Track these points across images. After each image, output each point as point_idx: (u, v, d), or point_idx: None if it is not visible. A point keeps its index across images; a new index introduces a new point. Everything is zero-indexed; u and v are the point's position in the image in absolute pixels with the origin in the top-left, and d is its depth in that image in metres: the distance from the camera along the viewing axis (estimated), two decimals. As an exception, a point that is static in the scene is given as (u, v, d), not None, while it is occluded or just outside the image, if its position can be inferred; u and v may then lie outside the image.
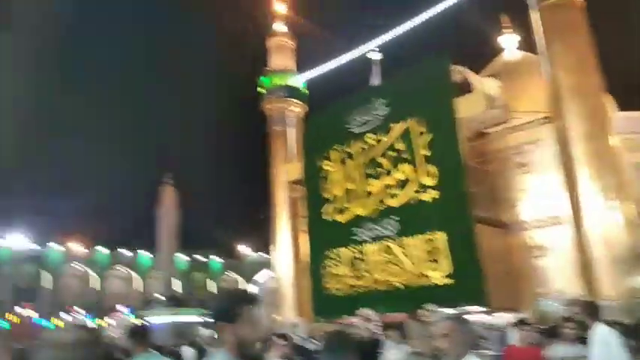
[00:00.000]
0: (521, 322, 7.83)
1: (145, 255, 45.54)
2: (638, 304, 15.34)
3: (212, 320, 2.36)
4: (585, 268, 17.18)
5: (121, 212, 53.46)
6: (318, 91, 32.59)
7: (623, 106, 21.50)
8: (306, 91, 32.21)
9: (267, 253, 34.06)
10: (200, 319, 25.37)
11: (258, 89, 32.50)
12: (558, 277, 18.83)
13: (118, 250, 46.69)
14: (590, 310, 6.15)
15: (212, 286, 40.89)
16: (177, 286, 36.75)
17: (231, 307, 2.35)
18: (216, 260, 44.88)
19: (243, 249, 46.33)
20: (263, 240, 39.90)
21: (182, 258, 42.20)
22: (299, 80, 31.96)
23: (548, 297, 18.62)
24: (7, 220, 42.85)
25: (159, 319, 30.58)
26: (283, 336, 7.63)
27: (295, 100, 31.40)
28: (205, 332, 12.20)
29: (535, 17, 20.22)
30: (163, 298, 32.44)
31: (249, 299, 2.40)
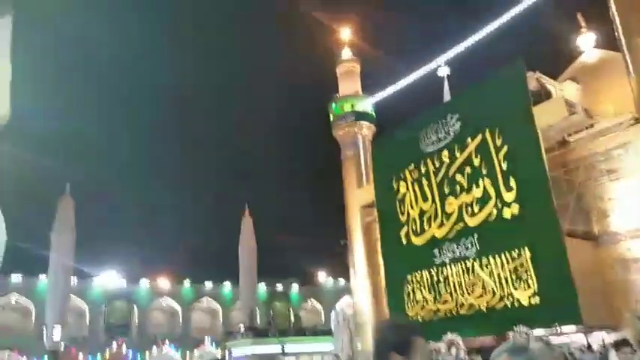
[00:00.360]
0: (621, 343, 7.03)
1: (227, 287, 46.83)
2: None
3: (382, 351, 2.38)
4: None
5: (204, 245, 55.49)
6: (387, 113, 32.49)
7: None
8: (373, 114, 32.18)
9: (347, 279, 33.74)
10: (279, 349, 25.56)
11: (331, 116, 32.98)
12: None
13: (204, 283, 48.35)
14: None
15: (292, 316, 41.10)
16: (258, 316, 37.18)
17: (404, 339, 2.38)
18: (296, 289, 45.13)
19: (323, 276, 46.29)
20: (342, 266, 39.76)
21: (263, 288, 42.84)
22: (367, 103, 32.06)
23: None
24: (101, 259, 45.89)
25: (240, 350, 31.02)
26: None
27: (365, 123, 31.51)
28: None
29: (615, 12, 18.91)
30: (243, 330, 32.95)
31: (418, 330, 2.46)
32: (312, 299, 45.16)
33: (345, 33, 35.28)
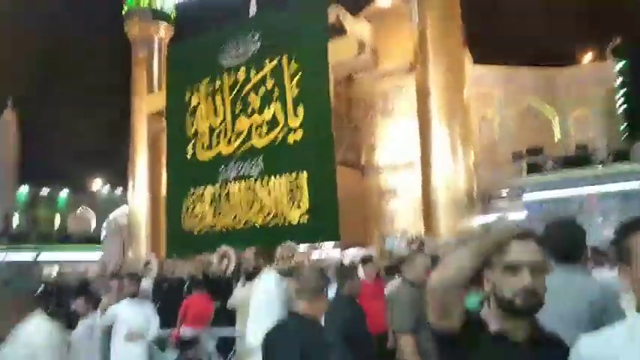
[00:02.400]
0: (367, 259, 8.29)
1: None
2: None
3: None
4: (427, 209, 18.68)
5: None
6: (189, 17, 30.37)
7: (478, 58, 23.05)
8: (173, 14, 29.76)
9: (125, 188, 32.06)
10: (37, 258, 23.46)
11: (125, 8, 29.38)
12: (405, 219, 20.31)
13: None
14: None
15: (58, 222, 37.89)
16: (16, 221, 33.28)
17: None
18: (65, 194, 41.34)
19: (98, 183, 43.24)
20: (121, 174, 37.54)
21: (25, 191, 38.26)
22: (167, 2, 29.42)
23: (394, 236, 20.13)
24: None
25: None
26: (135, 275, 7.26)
27: (163, 23, 28.95)
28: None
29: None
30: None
31: None
32: (84, 207, 42.04)
33: None
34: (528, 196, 16.54)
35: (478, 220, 18.29)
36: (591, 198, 15.65)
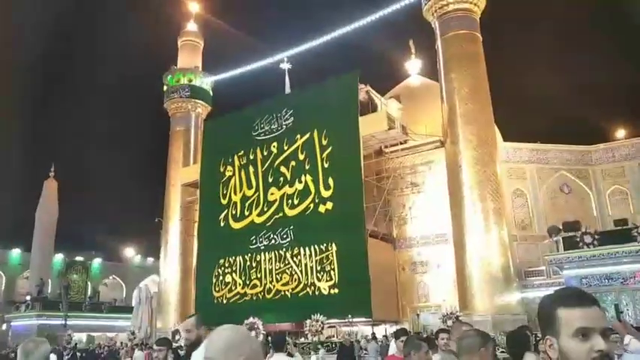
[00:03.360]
0: (400, 333, 7.99)
1: (16, 252, 41.25)
2: (506, 320, 16.43)
3: None
4: (462, 284, 18.18)
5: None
6: (224, 95, 31.89)
7: (507, 136, 23.29)
8: (210, 92, 31.24)
9: (157, 258, 32.29)
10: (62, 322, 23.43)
11: (165, 87, 31.06)
12: (438, 293, 19.74)
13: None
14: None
15: (90, 289, 38.02)
16: (50, 287, 33.63)
17: None
18: (98, 262, 41.83)
19: (130, 252, 43.72)
20: (152, 245, 37.98)
21: (60, 258, 38.86)
22: (205, 81, 31.03)
23: (428, 310, 19.50)
24: None
25: (21, 322, 27.90)
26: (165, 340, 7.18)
27: (199, 101, 30.36)
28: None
29: (439, 47, 21.37)
30: (30, 300, 29.53)
31: None
32: (115, 275, 42.35)
33: (193, 5, 33.74)
34: (567, 272, 15.97)
35: (515, 297, 17.66)
36: (636, 274, 15.02)
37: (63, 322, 24.43)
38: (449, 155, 20.13)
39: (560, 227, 16.76)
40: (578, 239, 15.73)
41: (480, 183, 18.71)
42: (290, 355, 7.33)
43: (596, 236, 15.60)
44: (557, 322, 1.60)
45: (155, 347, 6.19)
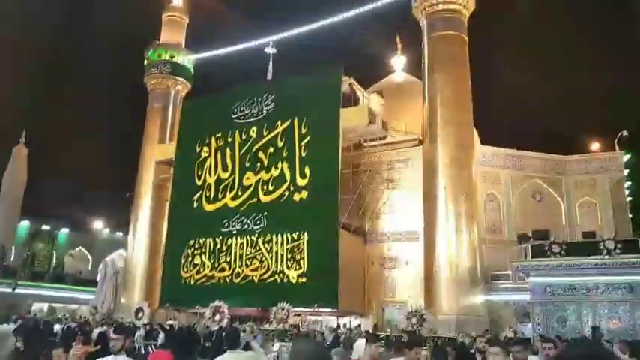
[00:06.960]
0: (371, 336, 7.97)
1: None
2: (470, 321, 16.68)
3: None
4: (429, 283, 18.38)
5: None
6: (206, 75, 31.25)
7: (484, 140, 23.46)
8: (192, 70, 30.59)
9: (125, 233, 31.71)
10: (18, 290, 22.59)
11: (145, 61, 30.26)
12: (406, 289, 19.90)
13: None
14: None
15: (55, 259, 37.27)
16: (13, 254, 32.82)
17: None
18: (65, 233, 40.94)
19: (99, 225, 42.93)
20: (124, 219, 37.28)
21: (26, 226, 37.92)
22: (187, 58, 30.37)
23: (393, 306, 19.66)
24: None
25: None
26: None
27: (180, 78, 29.72)
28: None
29: (425, 45, 21.37)
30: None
31: None
32: (82, 247, 41.54)
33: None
34: (533, 279, 16.25)
35: (480, 299, 17.91)
36: (598, 287, 15.37)
37: (11, 289, 23.69)
38: (426, 154, 20.23)
39: (530, 235, 17.04)
40: (546, 248, 16.01)
41: (454, 184, 18.87)
42: (247, 348, 7.11)
43: (564, 246, 15.91)
44: None
45: (113, 335, 5.42)
